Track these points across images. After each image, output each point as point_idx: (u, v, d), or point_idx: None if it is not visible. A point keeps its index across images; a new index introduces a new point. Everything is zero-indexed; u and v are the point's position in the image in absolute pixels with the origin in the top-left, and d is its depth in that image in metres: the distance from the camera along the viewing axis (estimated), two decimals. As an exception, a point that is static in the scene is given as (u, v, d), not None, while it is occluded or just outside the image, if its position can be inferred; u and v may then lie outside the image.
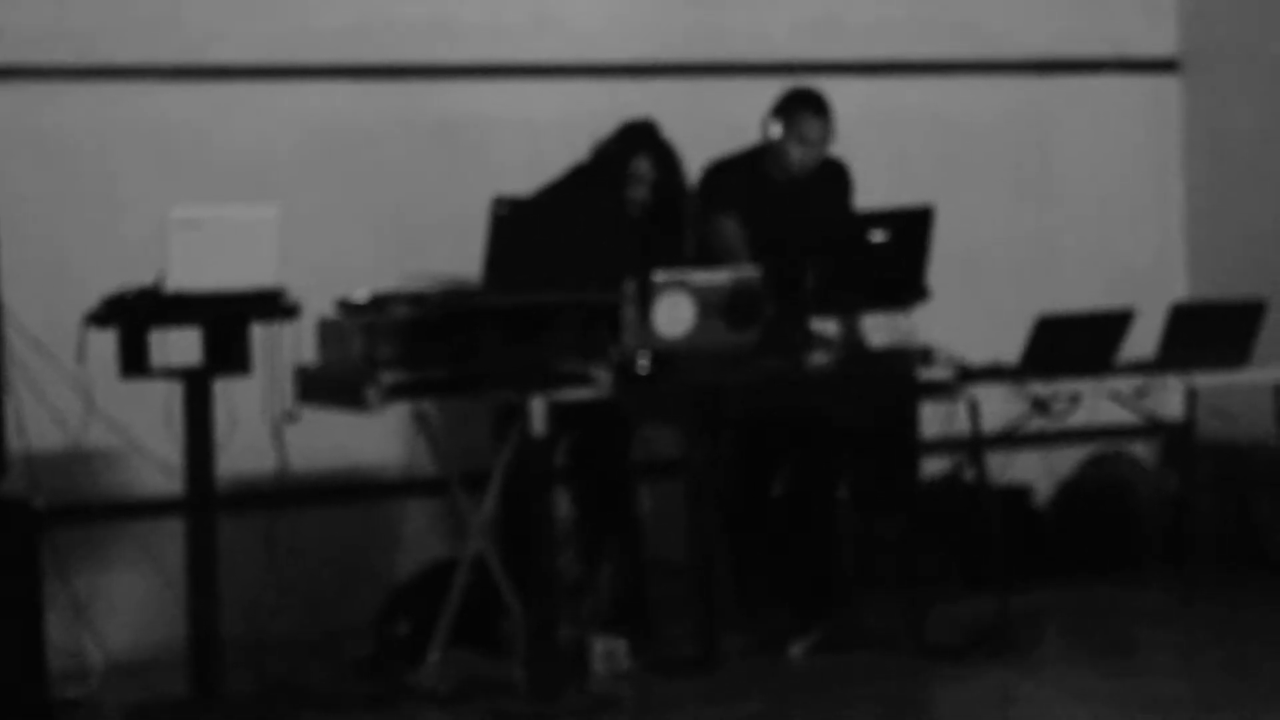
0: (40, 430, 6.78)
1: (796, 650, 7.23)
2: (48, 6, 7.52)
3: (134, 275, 6.34)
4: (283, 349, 6.64)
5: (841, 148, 7.63)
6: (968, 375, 7.26)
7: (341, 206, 7.81)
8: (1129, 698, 6.54)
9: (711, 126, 7.81)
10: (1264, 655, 7.18)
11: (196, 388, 6.46)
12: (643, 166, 7.40)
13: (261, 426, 6.81)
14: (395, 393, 6.56)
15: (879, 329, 7.42)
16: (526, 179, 7.34)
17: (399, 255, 7.47)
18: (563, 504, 7.38)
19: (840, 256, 7.20)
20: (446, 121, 8.06)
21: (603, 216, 6.89)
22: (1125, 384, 7.51)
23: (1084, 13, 9.23)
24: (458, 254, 6.92)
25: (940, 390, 7.26)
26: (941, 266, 7.31)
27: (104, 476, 7.46)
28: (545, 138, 7.63)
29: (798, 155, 7.52)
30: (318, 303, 6.68)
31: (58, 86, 7.51)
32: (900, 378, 7.23)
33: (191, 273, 6.26)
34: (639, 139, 7.44)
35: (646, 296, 6.96)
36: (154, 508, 7.42)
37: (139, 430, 7.04)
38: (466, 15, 8.14)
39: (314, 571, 7.46)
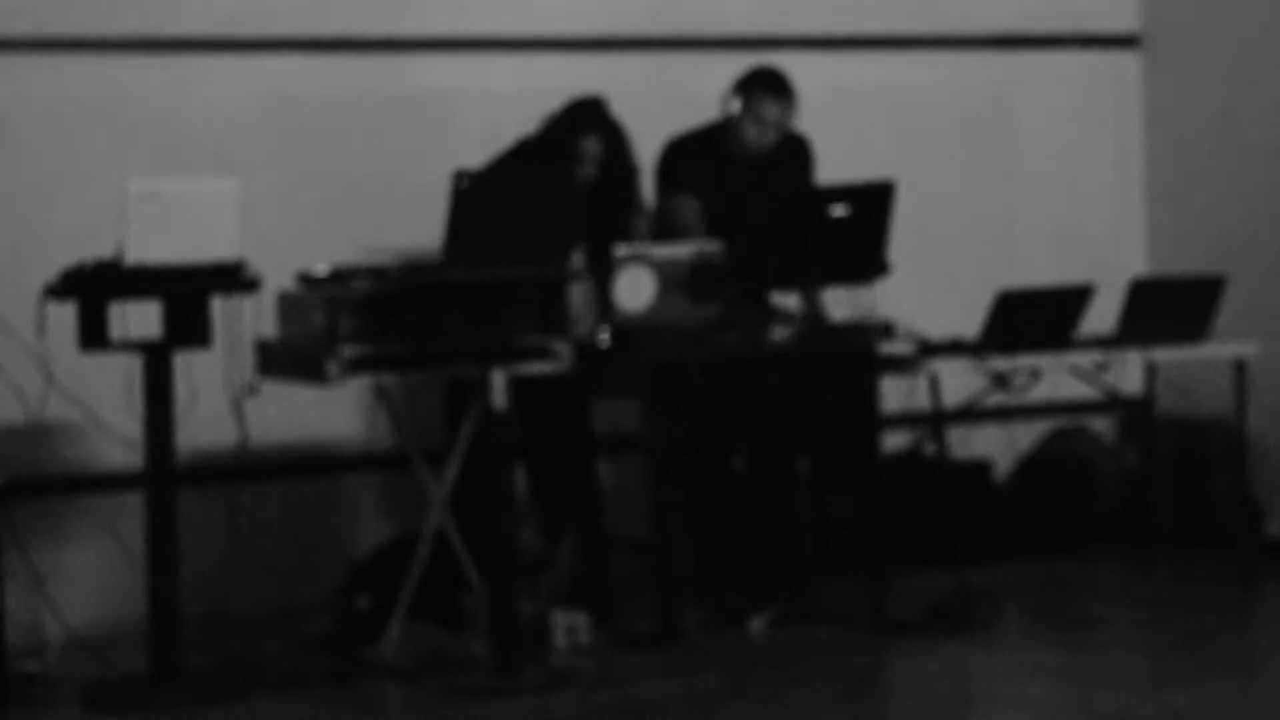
0: (0, 404, 6.80)
1: (756, 625, 7.28)
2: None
3: (93, 248, 6.35)
4: (243, 322, 6.63)
5: (801, 123, 7.64)
6: (928, 350, 7.30)
7: (301, 180, 7.81)
8: (1085, 672, 6.60)
9: (669, 102, 7.83)
10: (1220, 630, 7.26)
11: (156, 361, 6.47)
12: (591, 145, 7.39)
13: (222, 400, 6.81)
14: (356, 366, 6.56)
15: (840, 304, 7.45)
16: (486, 152, 7.35)
17: (359, 229, 7.50)
18: (521, 478, 7.42)
19: (801, 231, 7.25)
20: (406, 95, 8.07)
21: (555, 192, 6.91)
22: (1085, 359, 7.56)
23: (1044, -12, 9.31)
24: (418, 227, 6.94)
25: (901, 365, 7.30)
26: (902, 241, 7.35)
27: (63, 450, 7.47)
28: (505, 111, 7.61)
29: (755, 133, 7.52)
30: (278, 276, 6.68)
31: (14, 59, 7.50)
32: (861, 352, 7.26)
33: (150, 246, 6.25)
34: (588, 118, 7.44)
35: (607, 270, 7.01)
36: (113, 481, 7.44)
37: (98, 404, 7.02)
38: (429, -10, 8.21)
39: (274, 546, 7.48)
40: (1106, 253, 8.95)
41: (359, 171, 7.91)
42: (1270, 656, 7.10)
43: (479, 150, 7.33)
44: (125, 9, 7.69)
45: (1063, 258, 8.57)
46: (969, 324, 7.39)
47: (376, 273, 6.65)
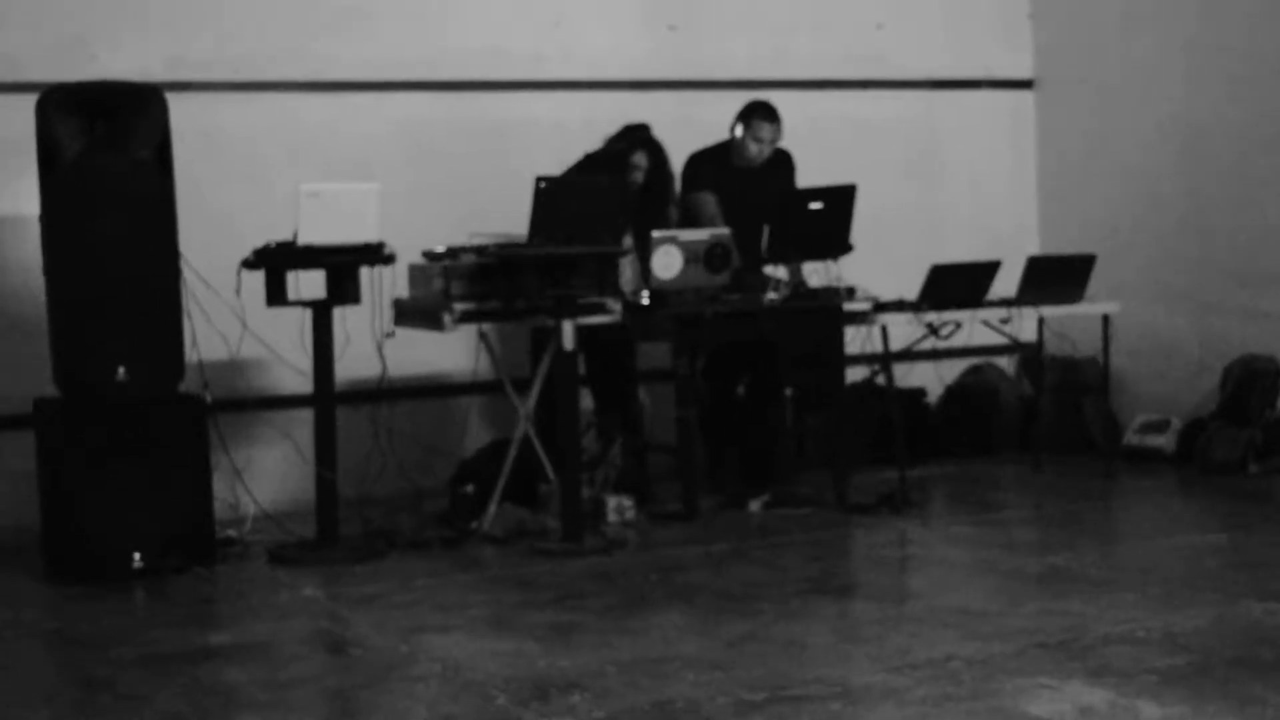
0: (209, 345, 6.80)
1: (753, 507, 7.28)
2: (212, 39, 7.58)
3: (275, 233, 6.36)
4: (383, 286, 6.66)
5: (787, 142, 7.63)
6: (880, 307, 7.28)
7: (425, 183, 7.82)
8: (991, 540, 6.58)
9: (691, 127, 7.76)
10: (1088, 511, 7.26)
11: (321, 314, 6.50)
12: (639, 159, 7.38)
13: (368, 342, 6.81)
14: (464, 318, 6.61)
15: (816, 273, 7.43)
16: (558, 164, 7.33)
17: (467, 218, 7.42)
18: (584, 399, 7.42)
19: (787, 221, 7.23)
20: (500, 122, 8.09)
21: (612, 193, 6.89)
22: (993, 315, 7.52)
23: (963, 45, 9.26)
24: (510, 217, 6.93)
25: (859, 318, 7.28)
26: (861, 228, 7.30)
27: (254, 378, 7.50)
28: (571, 134, 7.60)
29: (754, 149, 7.51)
30: (408, 252, 6.71)
31: (221, 96, 7.57)
32: (831, 309, 7.24)
33: (316, 230, 6.27)
34: (638, 138, 7.43)
35: (646, 249, 7.01)
36: (291, 401, 7.50)
37: (280, 345, 7.05)
38: (514, 45, 8.18)
39: (405, 448, 7.48)
40: (1010, 237, 8.89)
41: (467, 176, 7.92)
42: (1123, 529, 7.10)
43: (553, 162, 7.30)
44: (296, 61, 7.75)
45: (978, 240, 8.49)
46: (910, 288, 7.35)
47: (479, 250, 6.65)
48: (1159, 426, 8.44)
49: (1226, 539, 6.47)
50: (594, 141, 7.47)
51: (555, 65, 8.25)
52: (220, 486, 6.74)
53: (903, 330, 7.39)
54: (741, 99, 7.65)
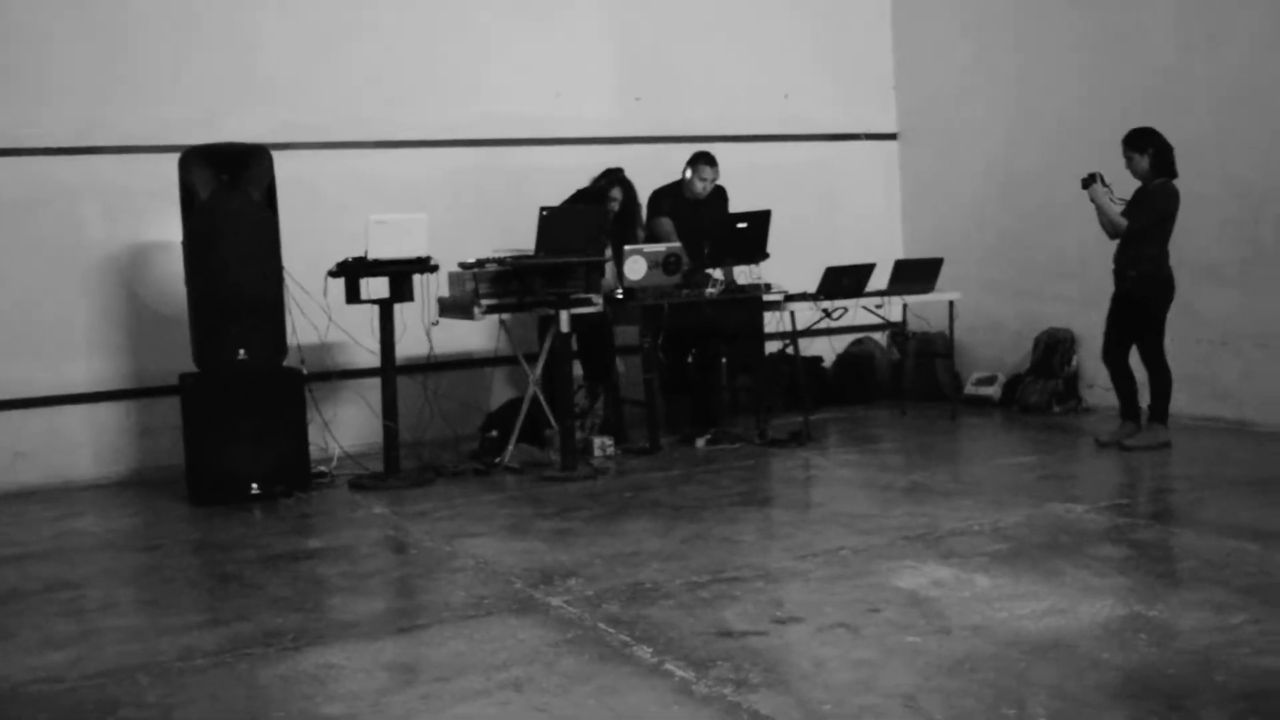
0: (304, 332, 6.79)
1: (699, 444, 7.25)
2: (307, 111, 7.50)
3: (353, 250, 6.34)
4: (430, 287, 6.65)
5: (723, 179, 7.61)
6: (789, 298, 7.27)
7: (461, 212, 7.75)
8: (871, 465, 6.57)
9: (655, 170, 7.75)
10: (939, 442, 7.23)
11: (385, 309, 6.45)
12: (616, 193, 7.35)
13: (420, 329, 6.82)
14: (489, 310, 6.55)
15: (743, 274, 7.43)
16: (556, 197, 7.30)
17: (491, 238, 7.44)
18: (576, 368, 7.40)
19: (722, 236, 7.21)
20: (515, 167, 8.02)
21: (594, 218, 6.86)
22: (871, 302, 7.51)
23: (847, 108, 9.22)
24: (522, 237, 6.90)
25: (775, 306, 7.28)
26: (775, 241, 7.28)
27: (338, 356, 7.43)
28: (569, 176, 7.57)
29: (699, 186, 7.49)
30: (448, 263, 6.67)
31: (313, 153, 7.50)
32: (754, 299, 7.23)
33: (382, 248, 6.24)
34: (614, 178, 7.40)
35: (620, 259, 6.99)
36: (364, 372, 7.42)
37: (356, 332, 7.03)
38: (527, 112, 8.11)
39: (446, 405, 7.48)
40: (882, 246, 8.90)
41: (491, 207, 7.85)
42: (963, 454, 7.05)
43: (553, 195, 7.28)
44: (368, 126, 7.67)
45: (859, 248, 8.51)
46: (810, 283, 7.35)
47: (500, 261, 6.60)
48: (989, 380, 8.46)
49: (1036, 460, 6.49)
50: (583, 181, 7.44)
51: (556, 126, 8.20)
52: (313, 435, 6.74)
53: (806, 314, 7.40)
54: (691, 149, 7.62)
